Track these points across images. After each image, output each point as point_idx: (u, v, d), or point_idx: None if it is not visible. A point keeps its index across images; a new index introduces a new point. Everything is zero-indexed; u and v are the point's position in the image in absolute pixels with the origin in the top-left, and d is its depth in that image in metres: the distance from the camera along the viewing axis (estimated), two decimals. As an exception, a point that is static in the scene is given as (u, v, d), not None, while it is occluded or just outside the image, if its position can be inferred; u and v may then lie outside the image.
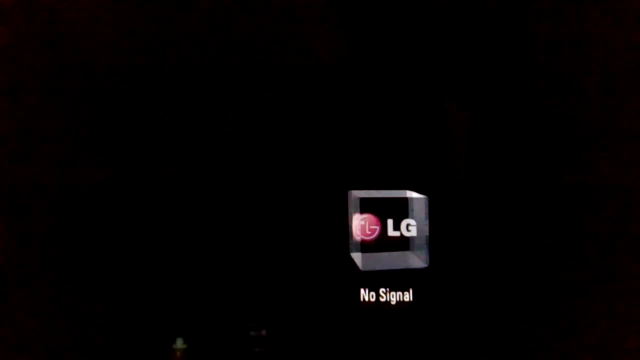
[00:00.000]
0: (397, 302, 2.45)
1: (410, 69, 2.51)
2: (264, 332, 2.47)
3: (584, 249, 2.42)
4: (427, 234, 2.45)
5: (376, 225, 2.46)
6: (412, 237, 2.45)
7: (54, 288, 2.44)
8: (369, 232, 2.46)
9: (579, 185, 2.43)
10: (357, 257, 2.46)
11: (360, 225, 2.46)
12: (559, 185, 2.44)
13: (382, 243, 2.45)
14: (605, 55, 2.40)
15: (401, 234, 2.45)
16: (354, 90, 2.51)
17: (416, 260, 2.45)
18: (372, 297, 2.45)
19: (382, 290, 2.45)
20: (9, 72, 2.46)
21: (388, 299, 2.45)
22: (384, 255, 2.45)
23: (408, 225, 2.45)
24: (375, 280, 2.45)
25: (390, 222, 2.45)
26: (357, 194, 2.47)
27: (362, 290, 2.45)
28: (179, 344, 2.46)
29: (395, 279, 2.45)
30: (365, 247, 2.46)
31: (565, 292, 2.43)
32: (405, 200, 2.46)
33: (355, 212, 2.46)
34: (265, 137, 2.51)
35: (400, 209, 2.46)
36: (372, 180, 2.48)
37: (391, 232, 2.45)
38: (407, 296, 2.45)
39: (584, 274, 2.42)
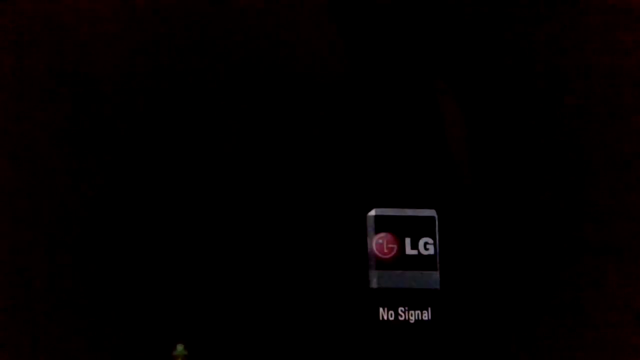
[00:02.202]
0: (416, 321, 2.44)
1: (421, 84, 2.55)
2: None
3: (596, 260, 2.48)
4: (436, 252, 2.47)
5: (394, 244, 2.46)
6: (429, 256, 2.46)
7: (50, 293, 2.34)
8: (387, 251, 2.45)
9: (589, 198, 2.50)
10: (375, 275, 2.45)
11: (378, 244, 2.45)
12: (567, 198, 2.51)
13: (400, 261, 2.45)
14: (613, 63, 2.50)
15: (419, 252, 2.46)
16: (369, 109, 2.52)
17: (434, 278, 2.46)
18: (391, 316, 2.44)
19: (400, 309, 2.44)
20: (8, 76, 2.38)
21: (407, 318, 2.44)
22: (402, 273, 2.46)
23: (426, 243, 2.46)
24: (393, 299, 2.45)
25: (408, 240, 2.46)
26: (375, 212, 2.47)
27: (380, 310, 2.44)
28: (180, 350, 2.38)
29: (414, 298, 2.45)
30: (384, 265, 2.45)
31: (581, 304, 2.48)
32: (423, 219, 2.47)
33: (372, 231, 2.46)
34: (280, 156, 2.48)
35: (417, 227, 2.47)
36: (390, 199, 2.49)
37: (409, 251, 2.46)
38: (426, 315, 2.45)
39: (597, 285, 2.48)
